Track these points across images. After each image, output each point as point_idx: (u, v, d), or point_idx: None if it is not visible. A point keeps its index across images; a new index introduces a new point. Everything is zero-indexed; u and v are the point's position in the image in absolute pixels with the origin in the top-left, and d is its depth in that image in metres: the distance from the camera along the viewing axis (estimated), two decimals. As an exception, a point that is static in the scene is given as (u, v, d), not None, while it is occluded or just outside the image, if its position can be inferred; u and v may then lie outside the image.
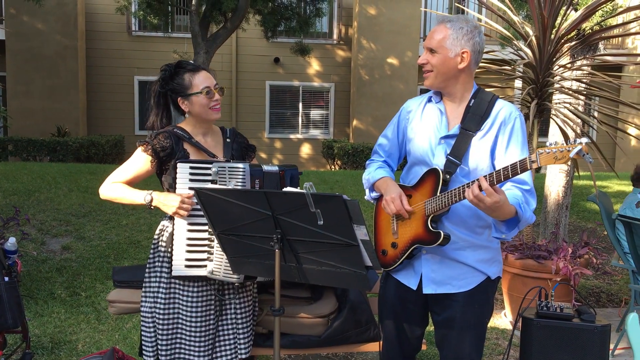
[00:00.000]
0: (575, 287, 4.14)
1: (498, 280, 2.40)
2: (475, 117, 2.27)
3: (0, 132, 14.05)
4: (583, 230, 6.53)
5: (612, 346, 4.01)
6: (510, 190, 2.17)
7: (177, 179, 2.48)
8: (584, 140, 1.87)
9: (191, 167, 2.48)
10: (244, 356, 2.66)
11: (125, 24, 14.69)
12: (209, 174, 2.46)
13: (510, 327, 4.56)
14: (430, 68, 2.30)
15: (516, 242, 4.65)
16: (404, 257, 2.32)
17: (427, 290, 2.33)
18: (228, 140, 2.71)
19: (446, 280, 2.31)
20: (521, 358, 2.88)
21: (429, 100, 2.43)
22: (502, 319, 4.70)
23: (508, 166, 2.00)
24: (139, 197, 2.51)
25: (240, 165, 2.44)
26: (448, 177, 2.22)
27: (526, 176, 2.19)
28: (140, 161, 2.56)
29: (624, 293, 5.45)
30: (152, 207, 2.51)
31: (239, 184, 2.42)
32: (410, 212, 2.27)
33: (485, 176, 2.03)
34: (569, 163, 5.35)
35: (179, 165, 2.48)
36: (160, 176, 2.62)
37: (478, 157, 2.25)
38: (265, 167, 2.53)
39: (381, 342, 2.59)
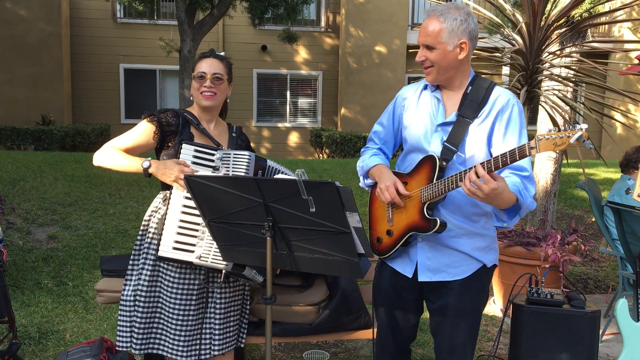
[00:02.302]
0: (564, 274, 4.17)
1: (494, 268, 2.39)
2: (472, 104, 2.24)
3: (-17, 120, 13.85)
4: (571, 217, 6.57)
5: (600, 332, 4.05)
6: (509, 178, 2.14)
7: (179, 159, 2.47)
8: (584, 126, 1.85)
9: (196, 150, 2.47)
10: (216, 353, 2.60)
11: (110, 10, 14.50)
12: (212, 160, 2.46)
13: (499, 313, 4.59)
14: (430, 64, 2.24)
15: (505, 230, 4.66)
16: (399, 244, 2.30)
17: (422, 278, 2.31)
18: (234, 135, 2.72)
19: (442, 268, 2.30)
20: (511, 344, 2.89)
21: (425, 87, 2.39)
22: (491, 306, 4.72)
23: (506, 152, 1.97)
24: (135, 163, 2.46)
25: (246, 153, 2.45)
26: (445, 164, 2.19)
27: (525, 162, 2.16)
28: (143, 130, 2.54)
29: (611, 279, 5.50)
30: (148, 175, 2.46)
31: (242, 171, 2.41)
32: (407, 196, 2.25)
33: (482, 163, 2.00)
34: (558, 150, 5.38)
35: (184, 146, 2.47)
36: (159, 152, 2.60)
37: (475, 144, 2.23)
38: (270, 162, 2.54)
39: (375, 330, 2.57)
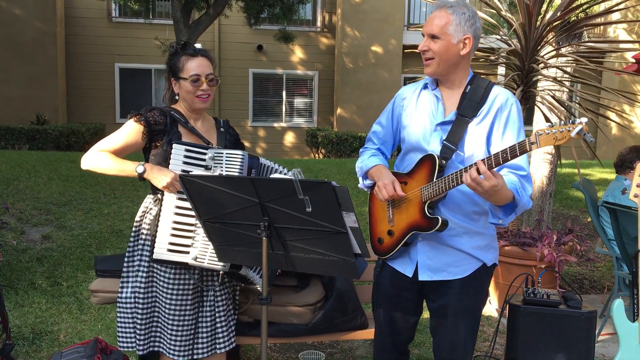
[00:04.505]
0: (560, 274, 4.17)
1: (494, 267, 2.39)
2: (471, 103, 2.24)
3: (-23, 120, 13.78)
4: (566, 218, 6.58)
5: (596, 332, 4.05)
6: (507, 176, 2.15)
7: (170, 160, 2.42)
8: (584, 119, 1.86)
9: (187, 150, 2.42)
10: (221, 350, 2.60)
11: (106, 9, 14.45)
12: (204, 159, 2.42)
13: (494, 314, 4.59)
14: (431, 55, 2.24)
15: (501, 230, 4.66)
16: (400, 244, 2.30)
17: (422, 277, 2.31)
18: (222, 129, 2.67)
19: (442, 267, 2.30)
20: (508, 344, 2.89)
21: (425, 87, 2.39)
22: (487, 306, 4.72)
23: (507, 149, 1.98)
24: (129, 167, 2.41)
25: (239, 152, 2.41)
26: (444, 162, 2.20)
27: (522, 162, 2.17)
28: (131, 131, 2.48)
29: (607, 279, 5.50)
30: (142, 179, 2.41)
31: (236, 171, 2.38)
32: (403, 197, 2.24)
33: (483, 159, 2.01)
34: (553, 151, 5.39)
35: (174, 146, 2.42)
36: (146, 152, 2.55)
37: (474, 143, 2.23)
38: (263, 160, 2.52)
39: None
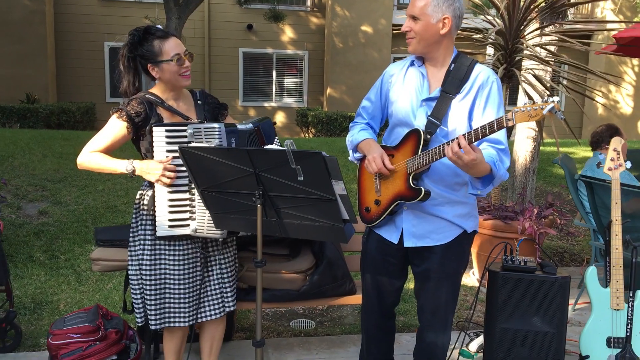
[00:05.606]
0: (540, 246, 4.35)
1: (474, 234, 2.56)
2: (455, 80, 2.38)
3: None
4: (548, 194, 6.77)
5: (572, 301, 4.25)
6: (486, 150, 2.30)
7: (153, 144, 2.52)
8: (556, 98, 2.02)
9: (167, 131, 2.51)
10: (231, 308, 2.79)
11: (95, -12, 14.38)
12: (185, 136, 2.51)
13: (476, 284, 4.77)
14: (413, 35, 2.39)
15: (485, 204, 4.83)
16: (386, 213, 2.45)
17: (407, 243, 2.47)
18: (199, 102, 2.74)
19: (425, 234, 2.46)
20: (487, 309, 3.05)
21: (412, 64, 2.53)
22: (470, 277, 4.91)
23: (485, 124, 2.12)
24: (120, 166, 2.54)
25: (216, 125, 2.50)
26: (429, 137, 2.34)
27: (501, 136, 2.32)
28: (116, 128, 2.58)
29: (586, 253, 5.71)
30: (134, 176, 2.56)
31: (216, 143, 2.49)
32: (391, 169, 2.39)
33: (464, 135, 2.15)
34: (537, 128, 5.55)
35: (154, 129, 2.51)
36: (136, 143, 2.65)
37: (457, 118, 2.38)
38: (240, 126, 2.61)
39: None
